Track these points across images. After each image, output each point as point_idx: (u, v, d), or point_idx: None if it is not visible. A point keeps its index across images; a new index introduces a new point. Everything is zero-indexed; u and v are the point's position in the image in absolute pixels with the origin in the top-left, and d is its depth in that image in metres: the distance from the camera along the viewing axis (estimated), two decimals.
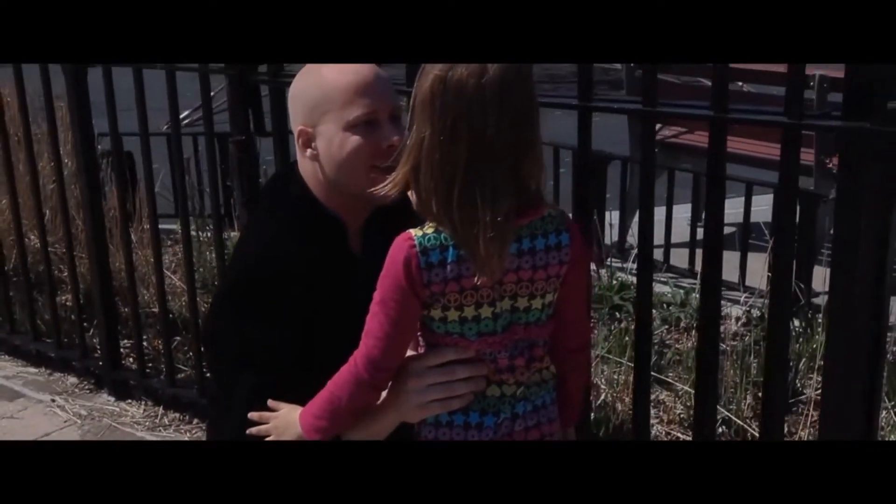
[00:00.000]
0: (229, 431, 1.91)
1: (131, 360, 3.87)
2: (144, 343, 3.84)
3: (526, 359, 1.65)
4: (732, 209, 5.07)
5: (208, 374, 2.98)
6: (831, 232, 2.22)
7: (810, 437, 3.31)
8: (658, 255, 5.24)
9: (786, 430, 3.41)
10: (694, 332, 4.17)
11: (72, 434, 3.55)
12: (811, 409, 3.36)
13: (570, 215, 1.93)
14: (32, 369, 4.10)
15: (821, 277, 3.69)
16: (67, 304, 4.22)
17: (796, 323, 3.85)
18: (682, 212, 5.38)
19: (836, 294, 2.12)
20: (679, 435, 3.41)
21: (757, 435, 3.22)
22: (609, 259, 4.95)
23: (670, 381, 3.66)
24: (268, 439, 1.79)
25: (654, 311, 4.42)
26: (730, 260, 4.76)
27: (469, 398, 1.66)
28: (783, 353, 2.28)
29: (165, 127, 6.89)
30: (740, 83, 5.46)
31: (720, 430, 3.38)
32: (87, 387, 3.92)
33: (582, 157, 2.36)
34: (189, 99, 3.16)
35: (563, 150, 5.27)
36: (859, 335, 2.10)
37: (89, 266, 3.82)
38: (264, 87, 2.79)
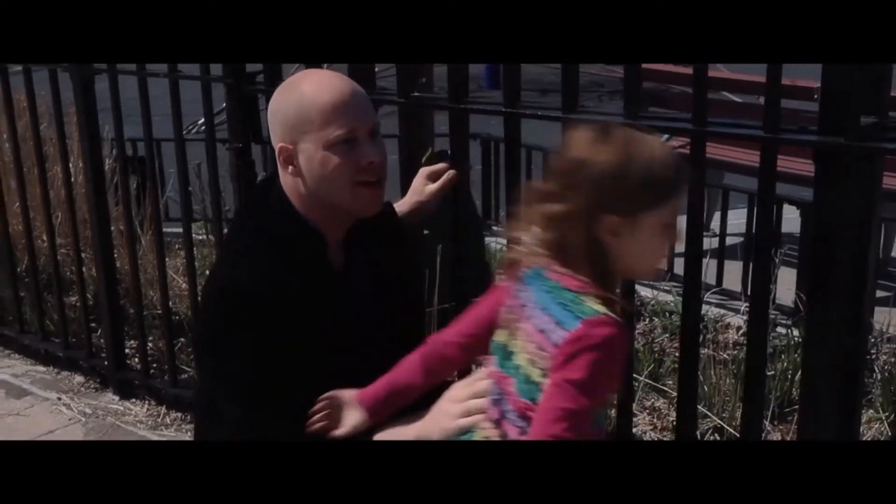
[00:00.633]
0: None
1: (136, 360, 3.93)
2: (150, 344, 3.90)
3: None
4: (736, 219, 5.11)
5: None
6: None
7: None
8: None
9: (779, 438, 3.44)
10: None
11: (76, 432, 3.62)
12: None
13: None
14: (41, 368, 4.17)
15: None
16: (77, 304, 4.29)
17: (795, 332, 3.87)
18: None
19: (812, 311, 2.15)
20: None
21: None
22: None
23: (666, 389, 3.69)
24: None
25: (655, 318, 4.49)
26: (732, 270, 4.80)
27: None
28: (761, 362, 2.30)
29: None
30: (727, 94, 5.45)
31: (712, 438, 3.41)
32: (92, 386, 3.98)
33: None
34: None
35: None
36: (835, 353, 2.12)
37: (95, 269, 3.89)
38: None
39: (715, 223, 5.27)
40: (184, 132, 3.36)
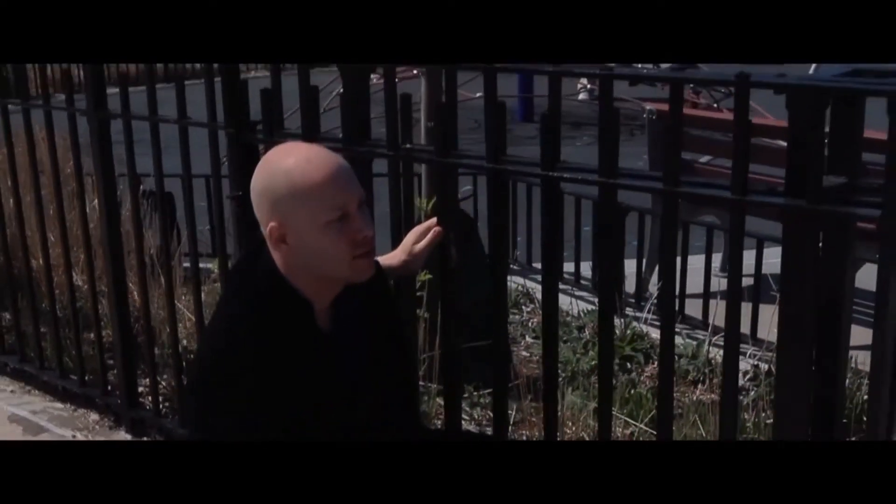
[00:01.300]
0: None
1: (150, 398, 4.01)
2: (163, 383, 3.98)
3: None
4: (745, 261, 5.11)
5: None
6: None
7: None
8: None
9: None
10: (699, 385, 4.22)
11: None
12: None
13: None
14: (59, 405, 4.26)
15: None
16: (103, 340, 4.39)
17: None
18: (700, 262, 5.41)
19: (782, 365, 2.18)
20: None
21: None
22: (626, 309, 5.02)
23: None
24: None
25: None
26: (743, 313, 4.81)
27: None
28: (733, 394, 2.31)
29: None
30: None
31: None
32: (107, 424, 4.06)
33: (603, 233, 2.40)
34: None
35: (584, 200, 5.34)
36: (804, 410, 2.15)
37: (108, 306, 3.99)
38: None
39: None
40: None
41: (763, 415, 3.69)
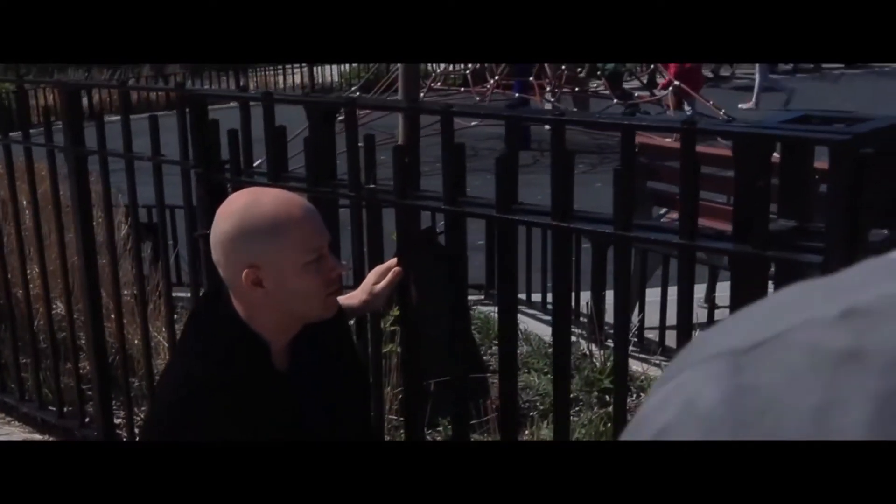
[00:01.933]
0: None
1: (126, 431, 4.03)
2: (140, 415, 4.00)
3: None
4: (723, 291, 5.14)
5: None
6: None
7: None
8: (654, 336, 5.31)
9: None
10: None
11: None
12: None
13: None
14: (38, 436, 4.28)
15: None
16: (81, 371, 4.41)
17: None
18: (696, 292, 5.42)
19: None
20: None
21: None
22: (607, 341, 5.02)
23: None
24: None
25: (644, 394, 4.52)
26: None
27: None
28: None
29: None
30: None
31: None
32: None
33: (557, 276, 2.44)
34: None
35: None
36: None
37: (86, 339, 4.01)
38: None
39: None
40: None
41: None
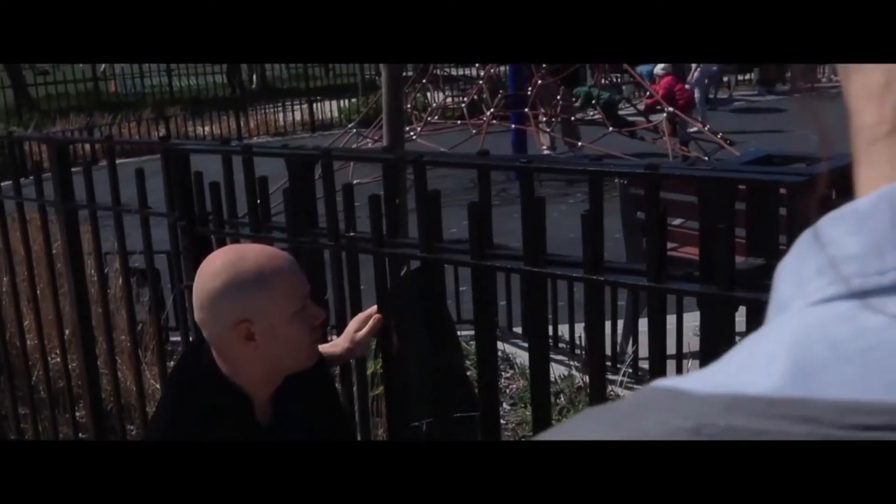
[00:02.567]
0: None
1: None
2: None
3: None
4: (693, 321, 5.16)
5: None
6: None
7: None
8: (644, 365, 5.34)
9: None
10: None
11: None
12: None
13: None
14: None
15: None
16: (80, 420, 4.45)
17: None
18: (690, 320, 5.43)
19: None
20: None
21: None
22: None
23: None
24: None
25: None
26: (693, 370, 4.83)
27: None
28: None
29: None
30: None
31: None
32: None
33: (531, 319, 2.45)
34: None
35: None
36: None
37: (82, 389, 4.05)
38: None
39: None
40: None
41: None
